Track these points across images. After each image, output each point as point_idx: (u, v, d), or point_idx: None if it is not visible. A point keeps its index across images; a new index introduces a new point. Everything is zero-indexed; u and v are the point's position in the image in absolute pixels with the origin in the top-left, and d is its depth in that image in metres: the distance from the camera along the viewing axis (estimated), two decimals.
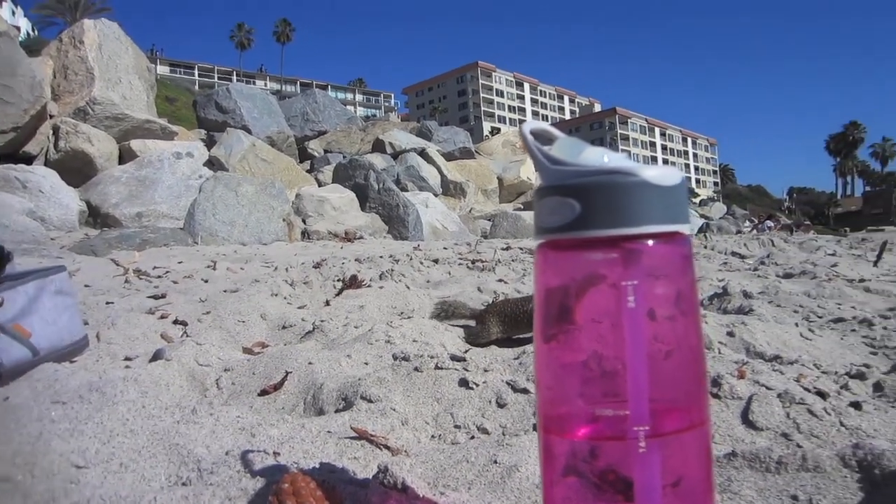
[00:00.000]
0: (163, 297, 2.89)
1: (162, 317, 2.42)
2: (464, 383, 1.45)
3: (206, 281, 3.60)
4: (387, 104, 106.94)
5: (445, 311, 2.38)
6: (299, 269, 3.90)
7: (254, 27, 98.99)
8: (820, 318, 2.61)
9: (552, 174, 0.63)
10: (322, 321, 2.35)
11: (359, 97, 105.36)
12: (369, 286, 3.00)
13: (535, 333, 0.67)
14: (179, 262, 4.73)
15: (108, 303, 2.72)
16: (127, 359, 1.92)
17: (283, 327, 2.43)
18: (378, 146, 15.55)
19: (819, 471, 0.87)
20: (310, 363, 1.70)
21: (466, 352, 1.71)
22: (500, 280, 3.73)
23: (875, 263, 5.21)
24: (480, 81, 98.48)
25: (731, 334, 2.08)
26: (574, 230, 0.60)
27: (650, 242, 0.60)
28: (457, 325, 2.33)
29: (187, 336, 2.17)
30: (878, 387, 1.49)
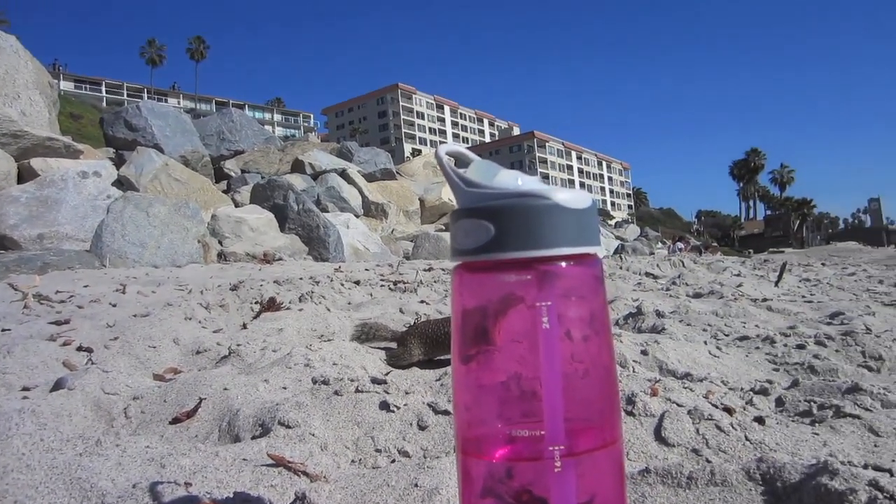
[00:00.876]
0: (66, 322, 2.72)
1: (64, 343, 2.27)
2: (385, 406, 1.43)
3: (115, 305, 3.42)
4: (306, 124, 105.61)
5: (366, 334, 2.35)
6: (215, 292, 3.76)
7: (166, 44, 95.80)
8: (727, 336, 2.74)
9: (467, 197, 0.64)
10: (239, 345, 2.27)
11: (277, 117, 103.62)
12: (288, 309, 2.92)
13: (453, 355, 0.67)
14: (85, 286, 4.47)
15: (3, 330, 2.54)
16: (25, 389, 1.79)
17: (198, 352, 2.33)
18: (297, 166, 15.34)
19: (726, 485, 0.91)
20: (225, 389, 1.63)
21: (387, 374, 1.69)
22: (422, 301, 3.73)
23: (776, 284, 5.55)
24: (401, 103, 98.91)
25: (644, 353, 2.15)
26: (489, 252, 0.60)
27: (563, 264, 0.61)
28: (378, 348, 2.31)
29: (92, 363, 2.05)
30: (779, 402, 1.57)
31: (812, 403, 1.48)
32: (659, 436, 1.23)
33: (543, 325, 0.60)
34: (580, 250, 0.62)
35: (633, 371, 1.75)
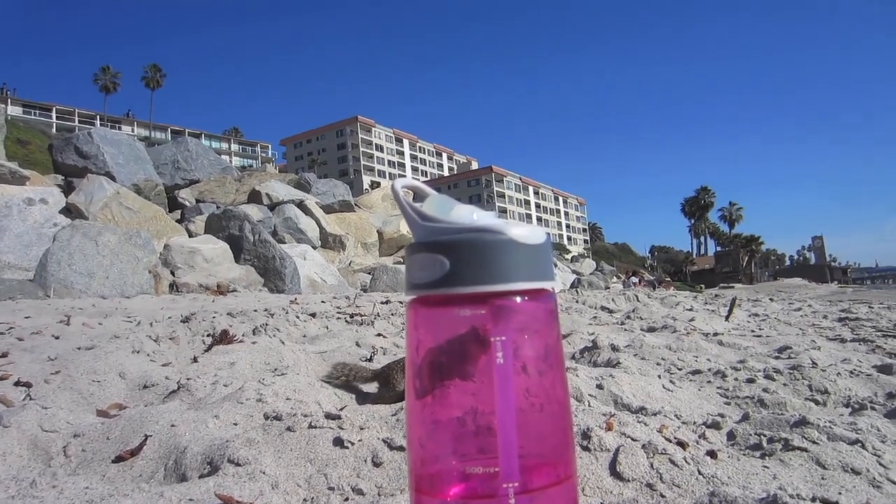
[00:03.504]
0: (3, 356, 2.60)
1: (1, 378, 2.17)
2: (339, 442, 1.39)
3: (58, 337, 3.28)
4: (264, 155, 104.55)
5: (345, 375, 2.25)
6: (165, 324, 3.66)
7: (121, 71, 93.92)
8: (680, 370, 2.78)
9: (423, 231, 0.64)
10: (188, 379, 2.19)
11: (234, 147, 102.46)
12: (241, 341, 2.86)
13: (408, 390, 0.66)
14: (27, 317, 4.30)
15: None
16: None
17: (145, 387, 2.25)
18: (254, 197, 15.17)
19: None
20: (172, 425, 1.57)
21: (342, 409, 1.65)
22: (379, 334, 3.69)
23: (726, 318, 5.68)
24: (360, 136, 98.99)
25: (600, 387, 2.16)
26: (444, 286, 0.60)
27: (518, 299, 0.61)
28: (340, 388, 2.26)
29: (31, 399, 1.95)
30: (731, 435, 1.59)
31: (762, 437, 1.51)
32: (614, 470, 1.23)
33: (498, 361, 0.60)
34: (535, 285, 0.62)
35: (589, 405, 1.75)
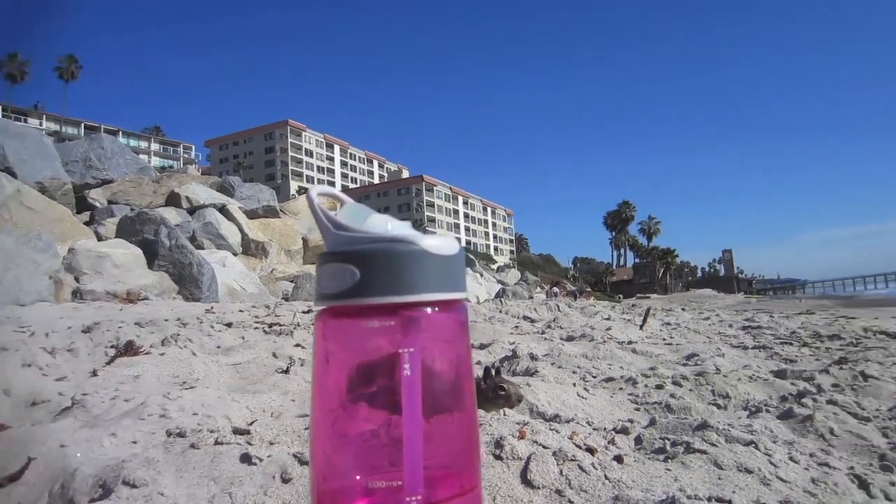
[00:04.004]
0: None
1: None
2: (246, 459, 1.35)
3: None
4: (186, 156, 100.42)
5: None
6: (64, 335, 3.45)
7: (31, 59, 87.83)
8: (594, 377, 2.87)
9: (335, 240, 0.63)
10: (85, 395, 2.06)
11: (154, 146, 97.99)
12: (149, 353, 2.73)
13: (312, 403, 0.65)
14: None
15: None
16: None
17: (34, 404, 2.09)
18: (173, 200, 14.57)
19: None
20: (62, 446, 1.47)
21: (252, 423, 1.61)
22: (298, 345, 3.62)
23: (641, 327, 5.90)
24: (290, 140, 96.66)
25: None
26: (353, 297, 0.60)
27: (428, 310, 0.62)
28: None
29: None
30: (638, 440, 1.66)
31: (666, 441, 1.58)
32: (525, 479, 1.26)
33: (405, 372, 0.60)
34: (446, 296, 0.62)
35: (504, 414, 1.78)
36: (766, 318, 8.12)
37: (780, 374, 2.79)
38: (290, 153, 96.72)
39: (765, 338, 5.02)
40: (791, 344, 4.46)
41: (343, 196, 0.72)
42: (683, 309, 11.85)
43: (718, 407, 2.27)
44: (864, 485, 1.33)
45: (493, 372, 1.87)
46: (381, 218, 0.65)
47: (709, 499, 1.14)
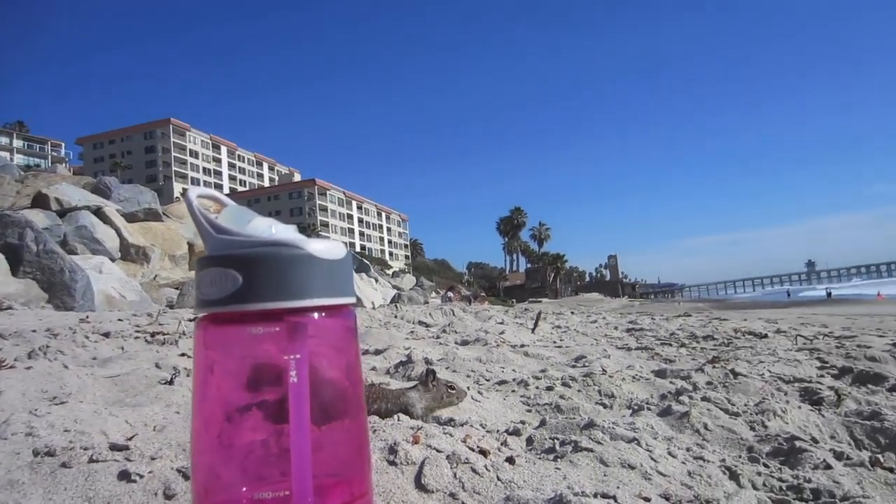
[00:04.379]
0: None
1: None
2: (125, 476, 1.26)
3: None
4: (55, 154, 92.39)
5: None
6: None
7: None
8: (488, 381, 2.91)
9: (216, 243, 0.61)
10: None
11: (17, 143, 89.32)
12: (13, 367, 2.50)
13: (193, 414, 0.62)
14: None
15: None
16: None
17: None
18: (40, 201, 13.44)
19: None
20: None
21: (131, 438, 1.51)
22: (184, 354, 3.43)
23: (532, 331, 6.08)
24: (173, 140, 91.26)
25: None
26: (235, 303, 0.57)
27: (315, 315, 0.60)
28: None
29: None
30: (529, 441, 1.70)
31: (556, 441, 1.63)
32: (419, 483, 1.25)
33: (292, 380, 0.59)
34: (333, 301, 0.61)
35: (398, 419, 1.77)
36: (648, 320, 8.59)
37: (660, 374, 2.95)
38: (174, 153, 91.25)
39: (647, 339, 5.31)
40: (670, 345, 4.75)
41: (224, 198, 0.69)
42: (573, 312, 12.34)
43: (605, 406, 2.37)
44: (734, 476, 1.43)
45: (434, 372, 1.99)
46: (265, 221, 0.63)
47: (595, 495, 1.19)
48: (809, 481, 1.36)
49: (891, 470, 1.44)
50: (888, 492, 1.37)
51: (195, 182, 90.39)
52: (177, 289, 11.55)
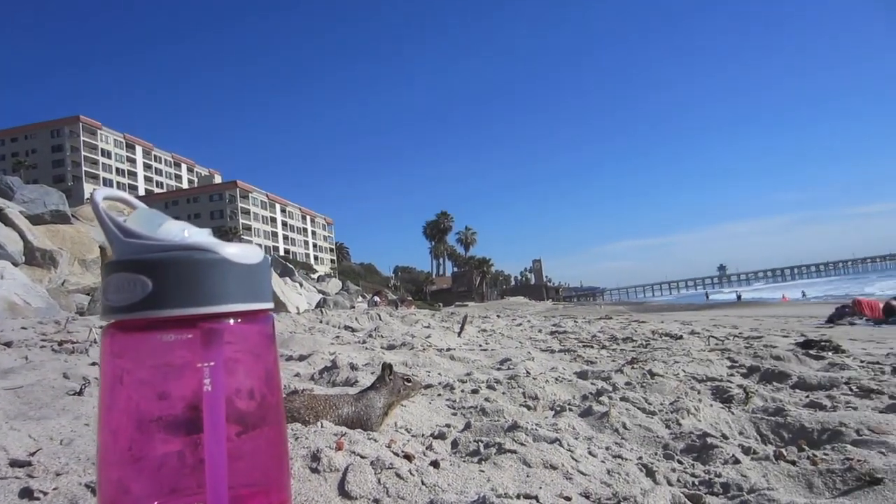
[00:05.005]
0: None
1: None
2: (27, 493, 1.19)
3: None
4: None
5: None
6: None
7: None
8: None
9: (125, 248, 0.58)
10: None
11: None
12: None
13: (100, 426, 0.59)
14: None
15: None
16: None
17: None
18: None
19: None
20: None
21: (34, 453, 1.42)
22: (94, 363, 3.27)
23: (459, 334, 6.11)
24: (83, 138, 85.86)
25: None
26: (145, 309, 0.55)
27: (231, 321, 0.58)
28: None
29: None
30: (454, 444, 1.70)
31: (480, 443, 1.64)
32: (343, 490, 1.23)
33: (206, 388, 0.57)
34: (250, 307, 0.60)
35: (322, 426, 1.74)
36: (571, 323, 8.81)
37: (582, 375, 3.03)
38: (84, 153, 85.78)
39: (570, 341, 5.45)
40: (592, 347, 4.88)
41: (134, 200, 0.66)
42: (498, 316, 12.50)
43: (529, 408, 2.41)
44: (650, 473, 1.48)
45: (391, 365, 2.02)
46: (177, 225, 0.61)
47: (518, 496, 1.20)
48: (720, 476, 1.43)
49: (793, 463, 1.53)
50: (791, 483, 1.46)
51: (108, 183, 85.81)
52: (88, 294, 10.97)
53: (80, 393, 2.48)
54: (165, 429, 0.59)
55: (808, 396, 2.46)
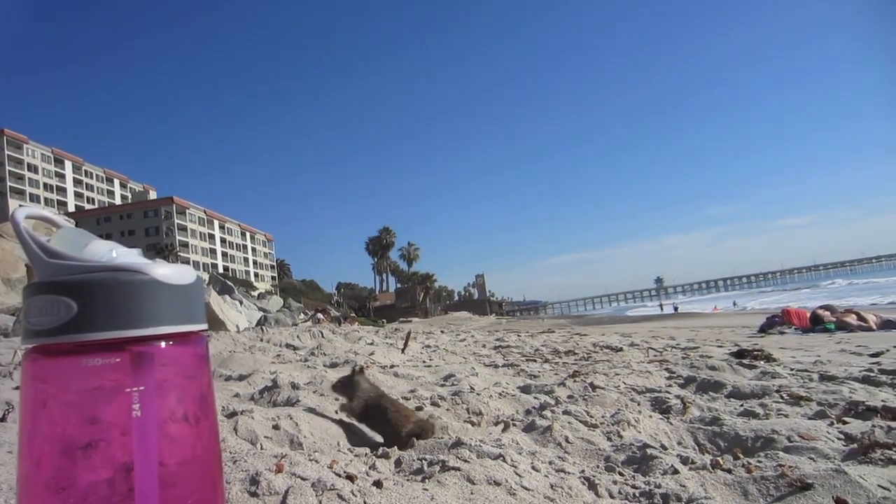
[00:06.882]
0: None
1: None
2: None
3: None
4: None
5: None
6: None
7: None
8: None
9: (48, 269, 0.55)
10: None
11: None
12: None
13: (21, 454, 0.56)
14: None
15: None
16: None
17: None
18: None
19: None
20: None
21: None
22: (18, 387, 3.10)
23: (402, 351, 6.07)
24: (7, 152, 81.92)
25: (276, 427, 2.11)
26: (69, 333, 0.53)
27: (161, 344, 0.56)
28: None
29: None
30: (398, 463, 1.68)
31: (424, 461, 1.63)
32: None
33: (135, 414, 0.54)
34: (182, 328, 0.58)
35: (262, 448, 1.70)
36: (515, 337, 8.89)
37: (525, 390, 3.06)
38: (9, 167, 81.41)
39: (513, 356, 5.48)
40: (535, 360, 4.93)
41: (58, 219, 0.64)
42: (442, 331, 12.51)
43: (473, 424, 2.41)
44: (592, 486, 1.50)
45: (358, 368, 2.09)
46: (104, 245, 0.58)
47: None
48: (659, 486, 1.46)
49: (729, 471, 1.58)
50: (727, 491, 1.50)
51: (35, 199, 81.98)
52: (12, 315, 10.43)
53: (3, 419, 2.35)
54: (92, 457, 0.56)
55: (742, 405, 2.54)
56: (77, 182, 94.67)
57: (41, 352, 0.56)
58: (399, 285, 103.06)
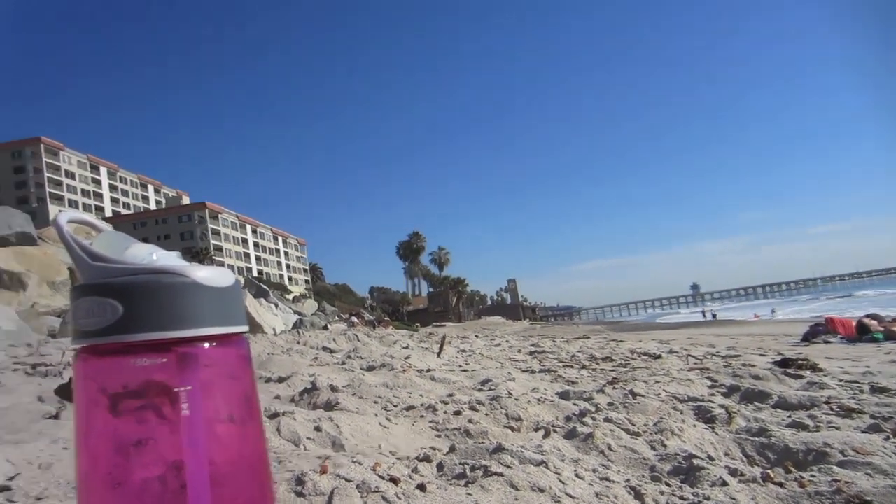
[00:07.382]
0: None
1: None
2: None
3: None
4: None
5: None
6: None
7: None
8: (395, 406, 2.86)
9: (92, 271, 0.56)
10: None
11: None
12: None
13: (78, 452, 0.56)
14: None
15: None
16: None
17: None
18: None
19: None
20: None
21: (13, 478, 1.36)
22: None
23: (438, 355, 6.06)
24: (45, 159, 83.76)
25: (318, 429, 2.12)
26: (115, 334, 0.52)
27: (205, 345, 0.56)
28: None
29: None
30: (440, 467, 1.67)
31: (466, 466, 1.61)
32: None
33: (183, 413, 0.54)
34: (224, 330, 0.58)
35: (305, 449, 1.70)
36: (550, 342, 8.81)
37: (564, 396, 3.01)
38: (47, 174, 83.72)
39: (549, 361, 5.43)
40: (572, 367, 4.87)
41: (99, 223, 0.64)
42: (477, 336, 12.47)
43: (512, 430, 2.38)
44: (639, 496, 1.46)
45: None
46: (145, 248, 0.59)
47: None
48: (709, 498, 1.41)
49: (781, 485, 1.52)
50: None
51: (73, 204, 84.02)
52: (59, 317, 10.73)
53: (56, 416, 2.42)
54: (144, 454, 0.57)
55: (789, 416, 2.45)
56: (112, 188, 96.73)
57: (91, 352, 0.56)
58: (431, 290, 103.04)
